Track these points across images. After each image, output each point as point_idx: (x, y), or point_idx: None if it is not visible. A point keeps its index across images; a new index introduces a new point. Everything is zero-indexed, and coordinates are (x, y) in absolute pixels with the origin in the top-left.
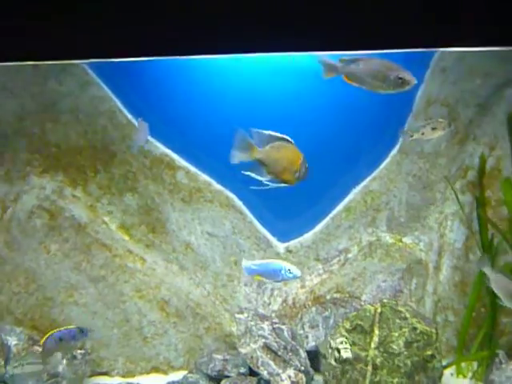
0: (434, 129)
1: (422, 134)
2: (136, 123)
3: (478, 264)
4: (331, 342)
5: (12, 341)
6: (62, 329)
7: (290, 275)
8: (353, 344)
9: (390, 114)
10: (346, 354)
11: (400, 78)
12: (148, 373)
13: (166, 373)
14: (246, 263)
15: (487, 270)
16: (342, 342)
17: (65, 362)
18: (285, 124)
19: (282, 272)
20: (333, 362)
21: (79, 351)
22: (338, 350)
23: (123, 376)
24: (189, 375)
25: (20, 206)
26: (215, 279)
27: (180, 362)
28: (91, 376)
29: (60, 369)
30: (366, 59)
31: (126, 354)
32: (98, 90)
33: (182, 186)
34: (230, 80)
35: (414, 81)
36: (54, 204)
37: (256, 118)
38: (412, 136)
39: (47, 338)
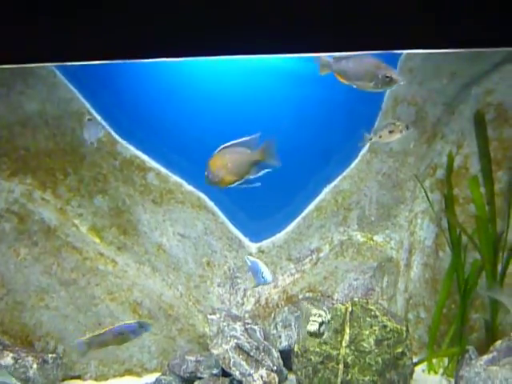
0: (391, 132)
1: (380, 137)
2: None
3: (490, 292)
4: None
5: None
6: (122, 323)
7: (262, 279)
8: (324, 343)
9: (359, 112)
10: (312, 326)
11: (387, 77)
12: (121, 376)
13: (139, 375)
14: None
15: (503, 298)
16: (315, 315)
17: (35, 366)
18: (255, 123)
19: (259, 274)
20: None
21: (50, 355)
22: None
23: (96, 379)
24: (162, 377)
25: None
26: (188, 280)
27: (153, 364)
28: (63, 380)
29: (31, 373)
30: (357, 57)
31: (99, 358)
32: (66, 92)
33: (152, 188)
34: (201, 81)
35: (400, 80)
36: (23, 207)
37: (226, 117)
38: (371, 139)
39: (107, 331)
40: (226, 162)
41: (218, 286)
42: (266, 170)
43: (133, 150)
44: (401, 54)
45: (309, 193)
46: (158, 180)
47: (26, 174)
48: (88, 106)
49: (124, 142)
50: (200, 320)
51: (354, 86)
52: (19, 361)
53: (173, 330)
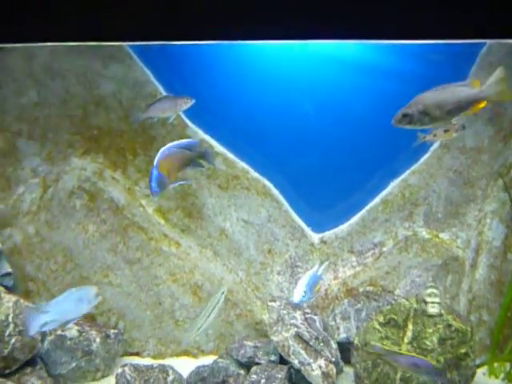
0: (446, 131)
1: (434, 135)
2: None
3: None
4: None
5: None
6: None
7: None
8: (386, 338)
9: None
10: (433, 309)
11: None
12: (178, 356)
13: (195, 357)
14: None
15: None
16: (430, 295)
17: (98, 340)
18: (324, 114)
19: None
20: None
21: (112, 331)
22: (426, 302)
23: (154, 357)
24: (219, 360)
25: (61, 185)
26: (248, 267)
27: (210, 346)
28: (123, 356)
29: (94, 347)
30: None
31: (158, 336)
32: (141, 74)
33: (219, 172)
34: (271, 66)
35: None
36: (93, 185)
37: (294, 106)
38: (424, 138)
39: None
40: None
41: (278, 274)
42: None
43: (202, 134)
44: (481, 49)
45: (375, 186)
46: (225, 165)
47: (97, 153)
48: (161, 88)
49: (193, 126)
50: (258, 307)
51: None
52: (83, 334)
53: (231, 314)
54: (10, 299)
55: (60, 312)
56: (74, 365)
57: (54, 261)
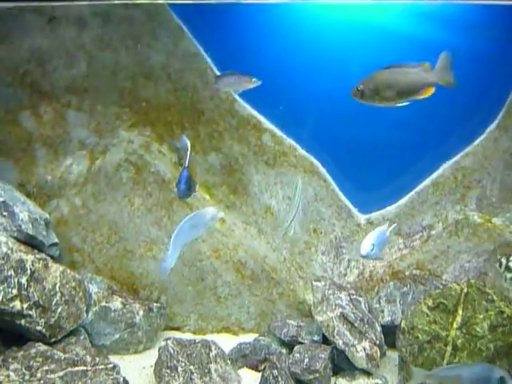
0: None
1: None
2: None
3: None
4: (502, 261)
5: (92, 289)
6: None
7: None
8: (434, 322)
9: (490, 87)
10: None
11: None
12: (218, 332)
13: (236, 334)
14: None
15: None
16: None
17: (142, 313)
18: None
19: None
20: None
21: (155, 304)
22: (509, 269)
23: (194, 333)
24: (260, 338)
25: (108, 158)
26: (292, 245)
27: (251, 324)
28: (164, 330)
29: (137, 319)
30: None
31: (199, 312)
32: (191, 47)
33: (267, 149)
34: (326, 43)
35: None
36: (140, 158)
37: (345, 83)
38: None
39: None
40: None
41: (323, 254)
42: None
43: (250, 110)
44: None
45: (425, 167)
46: (272, 141)
47: (145, 126)
48: (210, 62)
49: (242, 101)
50: (301, 286)
51: None
52: (127, 306)
53: (274, 293)
54: (57, 269)
55: (179, 246)
56: (117, 336)
57: (100, 233)
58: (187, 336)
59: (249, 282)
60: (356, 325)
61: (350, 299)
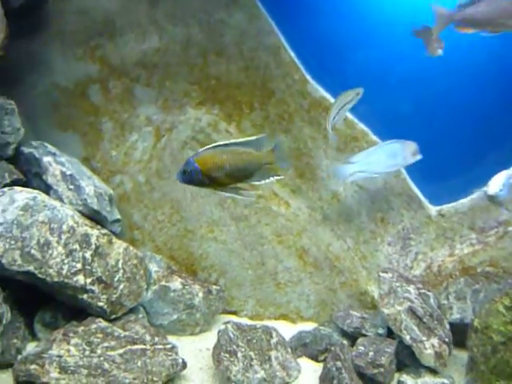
0: None
1: None
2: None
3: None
4: None
5: (152, 267)
6: None
7: None
8: (510, 323)
9: None
10: None
11: None
12: (276, 319)
13: (294, 322)
14: None
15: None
16: None
17: (201, 295)
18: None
19: None
20: None
21: (214, 287)
22: None
23: (251, 318)
24: (321, 327)
25: (175, 135)
26: (358, 234)
27: (310, 313)
28: (221, 313)
29: (196, 301)
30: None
31: (257, 297)
32: (265, 25)
33: (337, 132)
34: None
35: None
36: (207, 137)
37: (421, 67)
38: None
39: None
40: (223, 162)
41: (389, 244)
42: (278, 178)
43: (322, 92)
44: None
45: (503, 158)
46: (344, 126)
47: (213, 105)
48: (283, 40)
49: (314, 83)
50: (364, 277)
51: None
52: (186, 287)
53: (335, 282)
54: (120, 245)
55: (368, 163)
56: (175, 317)
57: (162, 211)
58: (244, 321)
59: (310, 270)
60: (425, 320)
61: (419, 293)
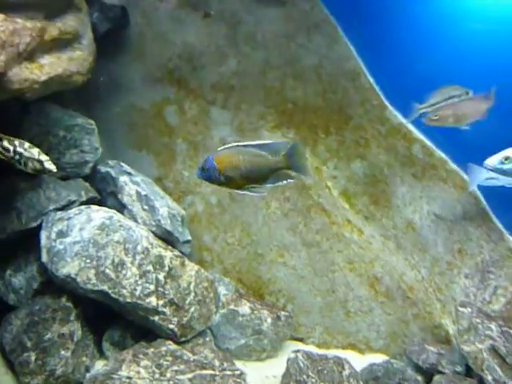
0: None
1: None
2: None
3: None
4: None
5: (221, 290)
6: None
7: None
8: None
9: None
10: None
11: None
12: (344, 348)
13: (362, 352)
14: None
15: None
16: None
17: (269, 321)
18: None
19: None
20: None
21: (283, 313)
22: None
23: (318, 346)
24: (393, 361)
25: None
26: (433, 265)
27: (379, 344)
28: (288, 340)
29: (264, 327)
30: None
31: (325, 325)
32: (345, 50)
33: (415, 161)
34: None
35: None
36: None
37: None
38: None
39: None
40: (239, 163)
41: (466, 277)
42: (290, 181)
43: (400, 118)
44: None
45: None
46: (422, 153)
47: (289, 128)
48: (363, 66)
49: (393, 109)
50: (438, 309)
51: None
52: (255, 312)
53: (408, 313)
54: (192, 268)
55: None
56: (242, 342)
57: (232, 234)
58: (310, 349)
59: (382, 299)
60: (508, 360)
61: (501, 331)
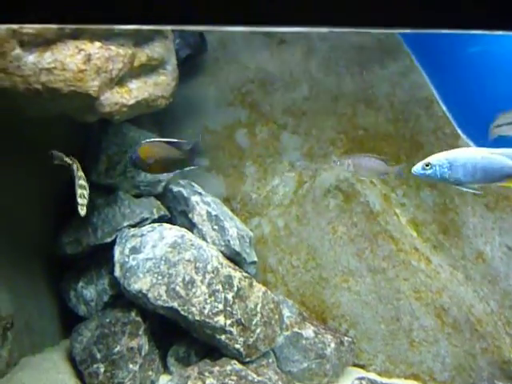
0: None
1: None
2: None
3: None
4: None
5: (285, 312)
6: None
7: None
8: None
9: None
10: None
11: None
12: (406, 378)
13: (425, 383)
14: None
15: None
16: None
17: (333, 345)
18: None
19: None
20: None
21: (346, 338)
22: None
23: (379, 374)
24: None
25: (318, 183)
26: (503, 298)
27: (444, 376)
28: (349, 366)
29: (328, 351)
30: None
31: (388, 353)
32: (418, 77)
33: (488, 191)
34: None
35: None
36: (351, 187)
37: None
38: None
39: None
40: (155, 154)
41: None
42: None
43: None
44: None
45: None
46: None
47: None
48: (436, 94)
49: (465, 137)
50: (507, 344)
51: None
52: (319, 336)
53: (476, 346)
54: (260, 289)
55: None
56: (305, 365)
57: (297, 257)
58: (372, 376)
59: (449, 331)
60: None
61: None
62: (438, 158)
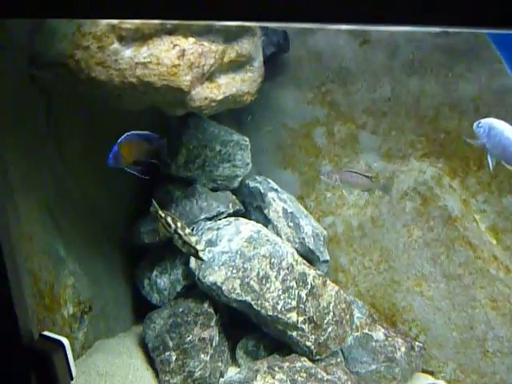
0: None
1: None
2: None
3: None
4: None
5: (355, 313)
6: None
7: None
8: None
9: None
10: None
11: None
12: None
13: None
14: None
15: None
16: None
17: (403, 350)
18: None
19: None
20: None
21: (417, 343)
22: None
23: (449, 382)
24: None
25: (395, 185)
26: None
27: None
28: (418, 372)
29: (398, 355)
30: None
31: (459, 362)
32: (508, 81)
33: None
34: None
35: None
36: (429, 190)
37: None
38: None
39: None
40: (134, 150)
41: None
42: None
43: None
44: None
45: None
46: None
47: (438, 158)
48: None
49: None
50: None
51: None
52: (389, 339)
53: None
54: (333, 288)
55: None
56: (373, 367)
57: (370, 258)
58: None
59: None
60: None
61: None
62: (486, 121)
